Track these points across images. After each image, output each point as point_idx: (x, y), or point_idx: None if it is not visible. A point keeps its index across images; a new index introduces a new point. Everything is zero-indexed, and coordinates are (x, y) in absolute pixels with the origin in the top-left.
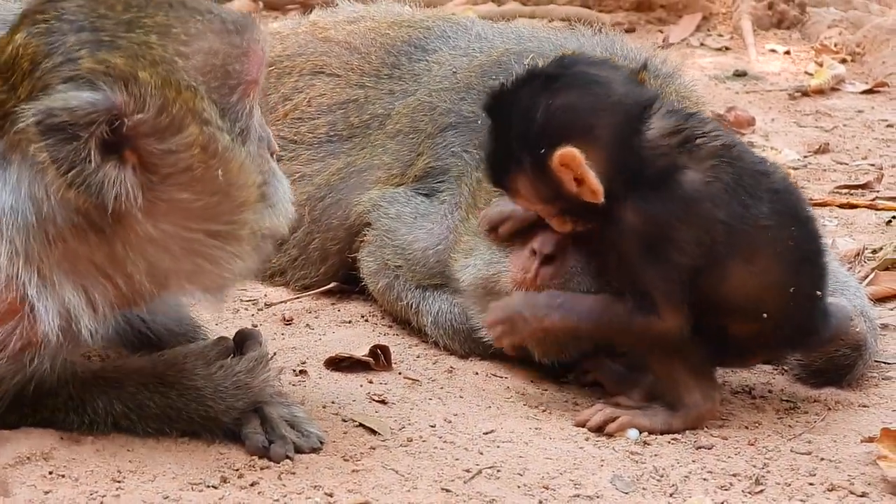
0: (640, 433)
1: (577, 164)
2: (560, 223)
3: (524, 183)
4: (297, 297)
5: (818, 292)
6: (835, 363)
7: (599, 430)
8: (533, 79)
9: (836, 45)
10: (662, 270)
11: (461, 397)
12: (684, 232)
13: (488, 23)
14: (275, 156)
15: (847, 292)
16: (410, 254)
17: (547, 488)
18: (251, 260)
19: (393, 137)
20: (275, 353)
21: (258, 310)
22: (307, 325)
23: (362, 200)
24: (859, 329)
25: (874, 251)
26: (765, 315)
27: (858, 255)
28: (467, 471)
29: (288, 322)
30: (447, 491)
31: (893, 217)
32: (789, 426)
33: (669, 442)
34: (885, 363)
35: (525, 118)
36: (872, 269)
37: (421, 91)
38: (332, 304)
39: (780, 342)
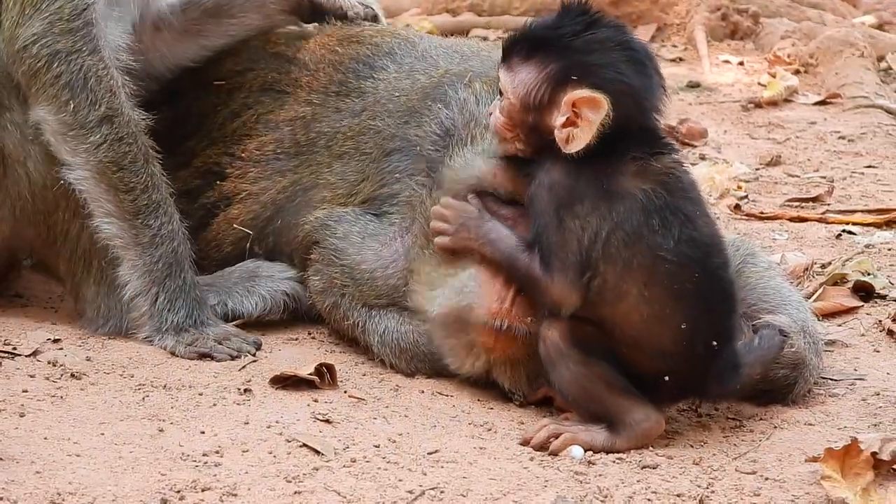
0: (585, 452)
1: (595, 111)
2: (508, 132)
3: (528, 77)
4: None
5: (715, 343)
6: (775, 384)
7: (543, 448)
8: (620, 30)
9: (789, 57)
10: (563, 236)
11: (406, 416)
12: (587, 212)
13: (436, 39)
14: None
15: (789, 307)
16: (357, 274)
17: None
18: None
19: (339, 158)
20: None
21: None
22: (253, 342)
23: (309, 220)
24: (796, 348)
25: (823, 266)
26: (659, 351)
27: (807, 269)
28: (410, 492)
29: None
30: None
31: (843, 231)
32: (735, 445)
33: (614, 461)
34: (831, 380)
35: (591, 44)
36: (821, 284)
37: (366, 113)
38: (280, 321)
39: (680, 385)
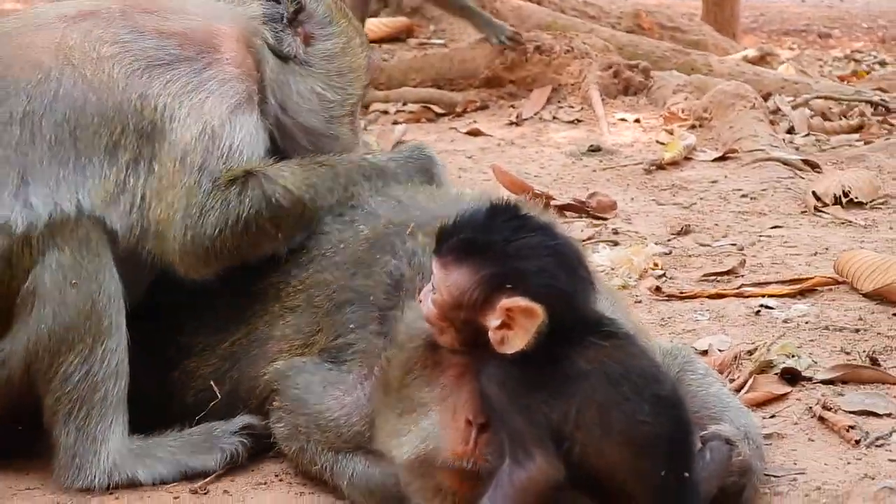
0: None
1: (530, 320)
2: (440, 322)
3: (461, 279)
4: None
5: (686, 474)
6: (725, 491)
7: None
8: (549, 233)
9: (683, 112)
10: (528, 417)
11: None
12: (548, 397)
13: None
14: None
15: (729, 413)
16: (322, 421)
17: None
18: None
19: (292, 311)
20: None
21: None
22: (225, 490)
23: (269, 370)
24: (743, 455)
25: (749, 352)
26: (640, 495)
27: (736, 358)
28: None
29: (205, 492)
30: None
31: (761, 306)
32: None
33: None
34: (773, 476)
35: (523, 250)
36: (750, 374)
37: (313, 265)
38: (247, 463)
39: None
